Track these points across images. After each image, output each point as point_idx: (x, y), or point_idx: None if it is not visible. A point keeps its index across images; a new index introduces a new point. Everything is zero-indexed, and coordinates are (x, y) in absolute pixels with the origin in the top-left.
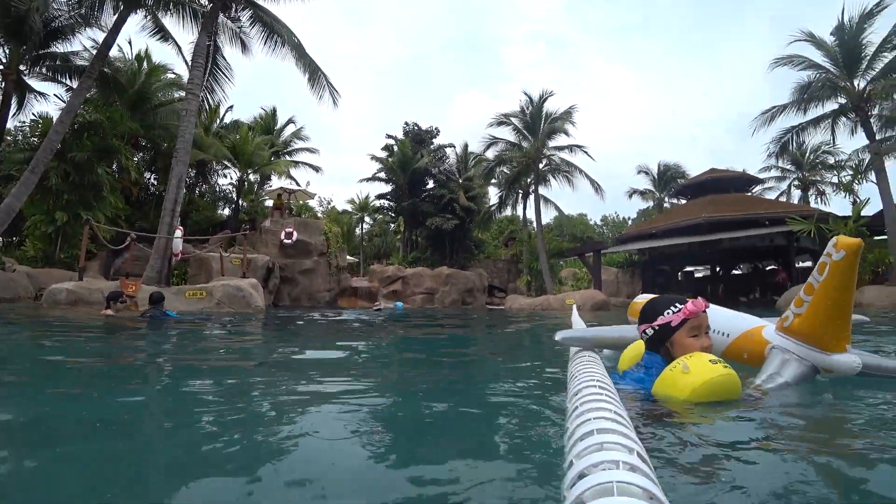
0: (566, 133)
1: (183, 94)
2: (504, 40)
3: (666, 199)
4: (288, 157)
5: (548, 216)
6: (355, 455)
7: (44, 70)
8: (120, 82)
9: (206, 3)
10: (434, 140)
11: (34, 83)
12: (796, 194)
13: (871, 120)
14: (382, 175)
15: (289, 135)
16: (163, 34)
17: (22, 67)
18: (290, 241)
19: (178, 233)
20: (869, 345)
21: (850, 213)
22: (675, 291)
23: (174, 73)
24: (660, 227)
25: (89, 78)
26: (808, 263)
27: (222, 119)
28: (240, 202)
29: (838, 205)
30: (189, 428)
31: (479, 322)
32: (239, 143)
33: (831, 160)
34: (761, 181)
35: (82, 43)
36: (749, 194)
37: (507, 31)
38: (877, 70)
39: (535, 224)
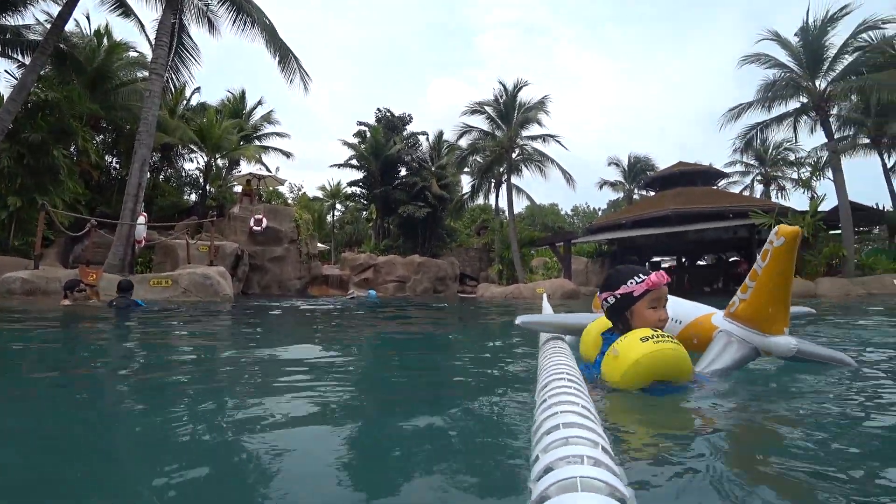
0: (539, 123)
1: (146, 73)
2: (478, 27)
3: (635, 190)
4: (257, 142)
5: (520, 205)
6: (321, 456)
7: None
8: (77, 60)
9: None
10: (407, 127)
11: None
12: (759, 189)
13: (830, 119)
14: (354, 162)
15: (258, 118)
16: (124, 9)
17: None
18: (259, 228)
19: (142, 219)
20: (822, 336)
21: (808, 209)
22: None
23: (137, 51)
24: (629, 217)
25: (43, 54)
26: None
27: (188, 101)
28: (207, 187)
29: (797, 200)
30: (148, 425)
31: (451, 311)
32: (206, 126)
33: (792, 157)
34: (727, 175)
35: (35, 16)
36: (715, 188)
37: (480, 17)
38: (837, 72)
39: (507, 213)
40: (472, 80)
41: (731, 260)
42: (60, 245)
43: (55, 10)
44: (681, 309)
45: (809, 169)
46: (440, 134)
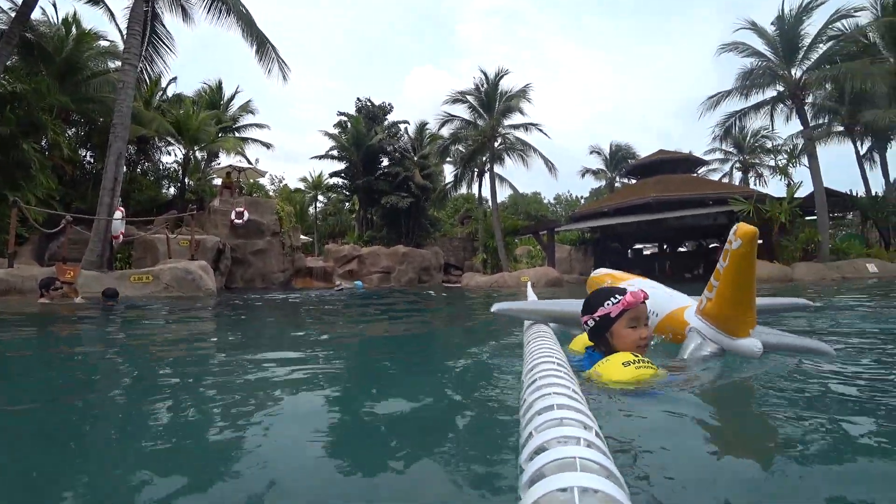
0: (521, 112)
1: (118, 63)
2: (460, 15)
3: (617, 178)
4: (236, 134)
5: (503, 194)
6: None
7: None
8: (45, 49)
9: None
10: (387, 116)
11: None
12: (738, 176)
13: (806, 108)
14: (336, 153)
15: (236, 109)
16: None
17: None
18: (240, 220)
19: (119, 213)
20: (802, 319)
21: (785, 195)
22: (626, 268)
23: (108, 40)
24: (611, 205)
25: (8, 44)
26: None
27: (164, 92)
28: (186, 181)
29: (775, 187)
30: (132, 425)
31: (437, 300)
32: (183, 118)
33: (769, 144)
34: (706, 163)
35: None
36: (695, 175)
37: (462, 6)
38: (812, 60)
39: (490, 202)
40: (453, 70)
41: (711, 246)
42: (35, 242)
43: None
44: (657, 299)
45: (786, 156)
46: (422, 124)
